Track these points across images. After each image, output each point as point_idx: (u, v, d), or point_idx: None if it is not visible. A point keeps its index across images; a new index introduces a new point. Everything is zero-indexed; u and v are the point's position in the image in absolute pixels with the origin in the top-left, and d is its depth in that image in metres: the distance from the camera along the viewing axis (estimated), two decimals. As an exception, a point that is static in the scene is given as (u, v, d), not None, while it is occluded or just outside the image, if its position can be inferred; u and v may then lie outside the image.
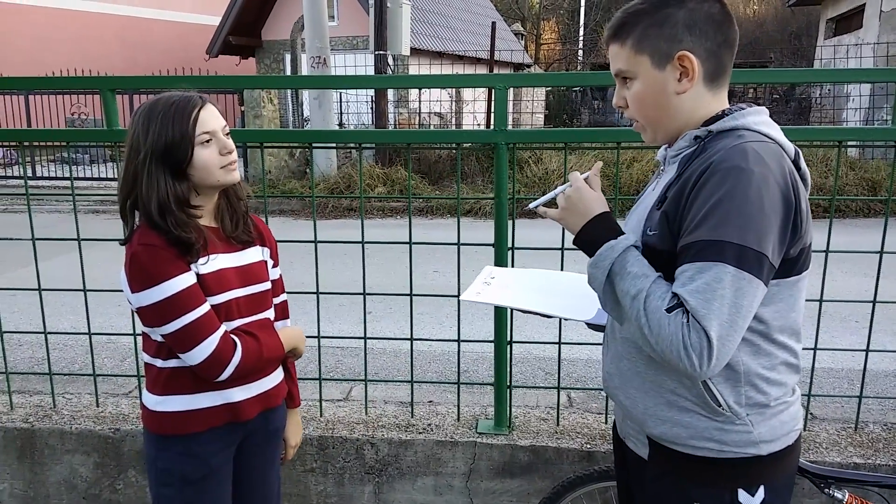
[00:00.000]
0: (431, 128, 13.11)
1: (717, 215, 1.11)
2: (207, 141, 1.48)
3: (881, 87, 10.04)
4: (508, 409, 2.47)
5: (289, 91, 11.96)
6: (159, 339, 1.53)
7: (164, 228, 1.46)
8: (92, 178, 11.46)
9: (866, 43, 11.47)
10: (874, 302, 2.30)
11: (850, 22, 12.89)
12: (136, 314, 1.52)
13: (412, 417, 2.52)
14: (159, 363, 1.55)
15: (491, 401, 2.49)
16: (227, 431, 1.61)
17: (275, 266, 1.81)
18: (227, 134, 1.55)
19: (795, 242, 1.17)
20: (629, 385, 1.32)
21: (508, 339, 2.43)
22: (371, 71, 10.97)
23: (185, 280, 1.46)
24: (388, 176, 9.65)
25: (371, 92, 11.30)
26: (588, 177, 1.35)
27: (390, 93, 12.37)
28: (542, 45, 30.58)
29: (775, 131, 1.23)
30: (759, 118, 1.23)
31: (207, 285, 1.51)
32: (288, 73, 15.83)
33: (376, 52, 9.98)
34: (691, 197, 1.16)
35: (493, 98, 2.29)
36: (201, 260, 1.51)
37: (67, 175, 11.51)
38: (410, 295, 2.45)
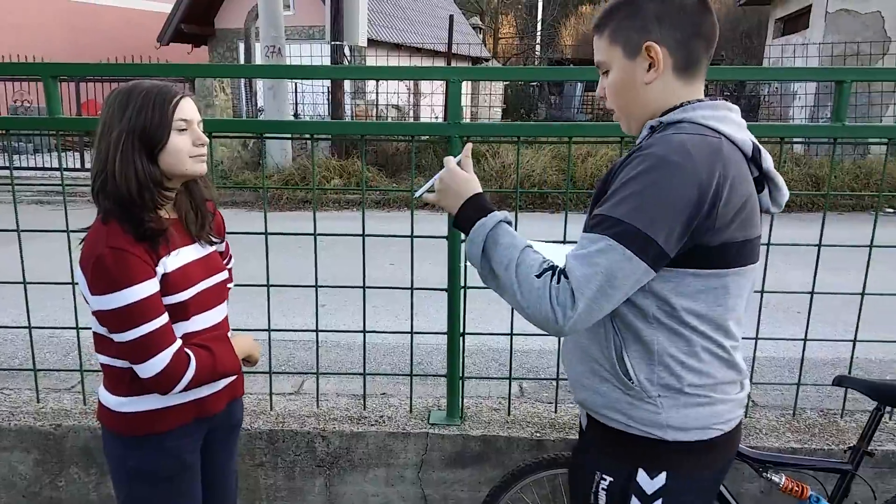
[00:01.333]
0: (389, 120, 13.05)
1: (620, 194, 1.17)
2: (183, 129, 1.49)
3: (826, 85, 10.38)
4: (461, 400, 2.48)
5: (242, 81, 11.74)
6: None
7: (136, 213, 1.45)
8: (35, 168, 11.05)
9: (812, 43, 11.84)
10: (812, 293, 2.39)
11: (797, 22, 13.28)
12: (94, 316, 1.49)
13: (364, 410, 2.51)
14: (121, 364, 1.51)
15: (444, 392, 2.51)
16: (195, 427, 1.61)
17: (225, 254, 1.80)
18: (202, 129, 1.56)
19: (712, 234, 1.17)
20: (571, 355, 1.39)
21: (461, 331, 2.44)
22: (327, 62, 10.85)
23: (148, 288, 1.43)
24: (344, 168, 9.56)
25: (327, 83, 11.17)
26: (460, 160, 1.41)
27: (347, 84, 12.25)
28: (500, 39, 30.70)
29: (727, 126, 1.23)
30: (710, 112, 1.23)
31: (175, 282, 1.50)
32: (242, 62, 15.53)
33: (332, 43, 9.86)
34: (612, 179, 1.23)
35: (448, 91, 2.29)
36: (172, 253, 1.51)
37: (7, 164, 11.08)
38: (363, 287, 2.44)
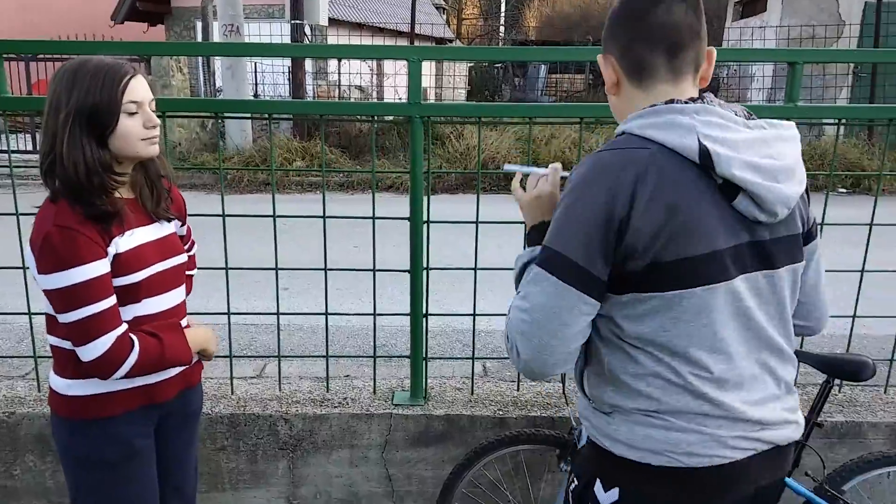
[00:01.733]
0: (351, 100, 12.90)
1: (553, 221, 1.19)
2: (133, 112, 1.44)
3: (781, 67, 10.60)
4: (424, 380, 2.50)
5: (200, 59, 11.46)
6: None
7: (87, 197, 1.41)
8: (-17, 150, 10.64)
9: (770, 26, 12.05)
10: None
11: (755, 5, 13.49)
12: (43, 294, 1.45)
13: (328, 392, 2.51)
14: (69, 346, 1.48)
15: (408, 373, 2.52)
16: (143, 414, 1.57)
17: (187, 239, 1.77)
18: (154, 109, 1.51)
19: (637, 254, 1.11)
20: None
21: (424, 312, 2.45)
22: (287, 41, 10.65)
23: (97, 269, 1.40)
24: (306, 150, 9.44)
25: (288, 63, 10.98)
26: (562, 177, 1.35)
27: (308, 64, 12.05)
28: (464, 20, 30.51)
29: (665, 133, 1.13)
30: (650, 120, 1.15)
31: (127, 263, 1.46)
32: (199, 42, 15.15)
33: (293, 22, 9.69)
34: None
35: (409, 71, 2.27)
36: (126, 233, 1.47)
37: (-44, 146, 10.67)
38: (325, 270, 2.43)
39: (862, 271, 2.45)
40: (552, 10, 30.81)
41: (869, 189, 8.76)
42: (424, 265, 2.39)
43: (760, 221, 1.16)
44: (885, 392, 2.54)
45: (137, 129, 1.45)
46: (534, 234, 1.32)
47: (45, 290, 1.42)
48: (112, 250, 1.44)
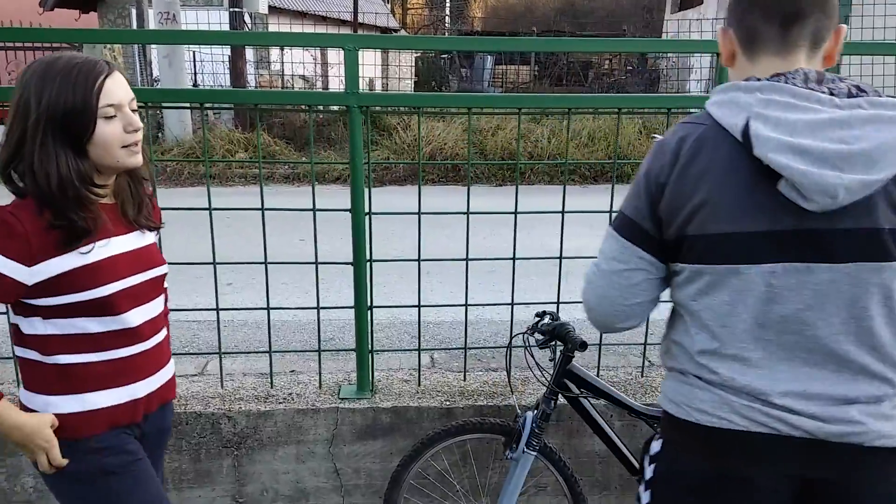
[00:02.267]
0: (295, 90, 12.68)
1: None
2: (111, 116, 1.32)
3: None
4: (371, 373, 2.49)
5: (136, 48, 11.06)
6: (39, 330, 1.37)
7: (60, 209, 1.29)
8: None
9: (706, 18, 12.38)
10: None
11: (692, -2, 13.85)
12: None
13: (272, 388, 2.47)
14: (39, 357, 1.38)
15: (355, 367, 2.50)
16: (126, 430, 1.46)
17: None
18: (135, 109, 1.39)
19: (667, 224, 1.18)
20: None
21: (368, 304, 2.43)
22: (226, 29, 10.38)
23: (2, 263, 1.28)
24: (249, 141, 9.26)
25: (228, 52, 10.72)
26: None
27: (250, 53, 11.80)
28: (409, 9, 30.33)
29: (721, 110, 1.13)
30: (717, 97, 1.16)
31: (99, 273, 1.35)
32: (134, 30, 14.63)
33: (231, 10, 9.46)
34: None
35: (344, 60, 2.24)
36: (100, 243, 1.36)
37: None
38: (265, 263, 2.39)
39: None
40: (497, 0, 30.94)
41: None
42: (368, 257, 2.38)
43: (812, 209, 1.09)
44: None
45: (117, 135, 1.33)
46: None
47: None
48: (70, 261, 1.33)
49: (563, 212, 2.45)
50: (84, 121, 1.29)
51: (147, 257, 1.48)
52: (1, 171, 1.33)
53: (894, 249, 1.10)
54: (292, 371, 2.65)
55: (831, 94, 1.12)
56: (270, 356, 2.47)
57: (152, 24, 10.30)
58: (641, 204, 1.21)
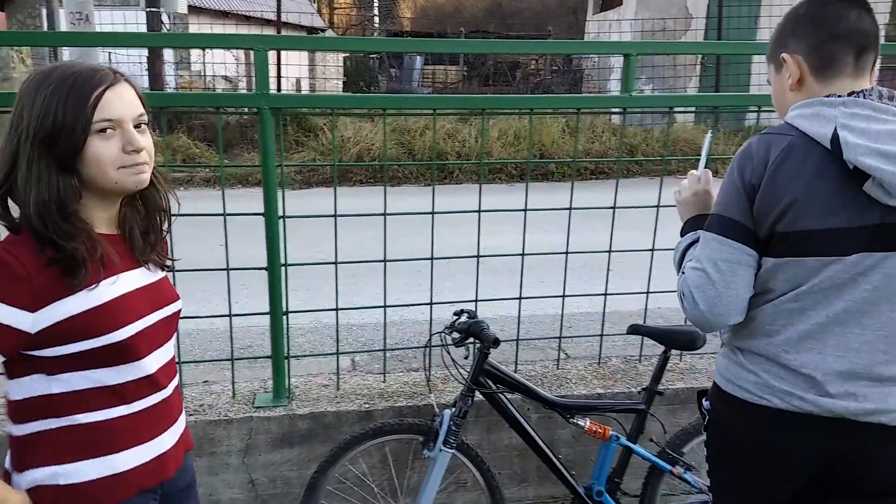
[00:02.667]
0: (221, 92, 12.35)
1: (718, 194, 1.44)
2: (105, 130, 1.16)
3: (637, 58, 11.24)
4: (287, 379, 2.44)
5: (46, 50, 10.53)
6: (41, 390, 1.19)
7: (48, 237, 1.14)
8: None
9: (625, 19, 12.75)
10: (609, 252, 2.60)
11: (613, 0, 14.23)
12: None
13: (183, 401, 2.40)
14: (46, 424, 1.20)
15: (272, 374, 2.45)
16: (154, 495, 1.32)
17: None
18: (142, 125, 1.22)
19: (758, 222, 1.35)
20: None
21: (284, 309, 2.39)
22: (144, 30, 10.02)
23: (3, 315, 1.11)
24: (168, 144, 8.96)
25: (146, 53, 10.33)
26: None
27: (169, 54, 11.42)
28: (337, 9, 30.02)
29: (808, 122, 1.32)
30: (800, 111, 1.35)
31: (113, 315, 1.19)
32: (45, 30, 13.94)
33: (148, 10, 9.12)
34: None
35: (255, 61, 2.19)
36: (107, 280, 1.20)
37: None
38: (174, 270, 2.31)
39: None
40: (426, 1, 30.99)
41: (716, 172, 9.51)
42: (283, 261, 2.33)
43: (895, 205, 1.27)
44: (719, 358, 2.77)
45: (112, 154, 1.17)
46: (688, 227, 1.59)
47: None
48: (78, 304, 1.17)
49: (479, 211, 2.47)
50: (73, 137, 1.14)
51: (161, 293, 1.32)
52: None
53: None
54: (206, 381, 2.58)
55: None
56: (180, 367, 2.39)
57: (64, 26, 9.82)
58: (742, 205, 1.35)
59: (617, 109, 2.64)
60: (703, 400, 1.59)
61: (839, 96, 1.34)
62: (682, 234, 1.60)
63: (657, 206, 2.59)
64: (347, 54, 19.30)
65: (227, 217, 2.33)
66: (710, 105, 2.62)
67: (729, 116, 11.02)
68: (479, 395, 2.15)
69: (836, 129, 1.28)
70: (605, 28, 13.83)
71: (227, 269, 2.36)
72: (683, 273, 1.44)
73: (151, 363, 1.27)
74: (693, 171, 1.67)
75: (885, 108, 1.32)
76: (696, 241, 1.50)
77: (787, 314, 1.36)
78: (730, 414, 1.46)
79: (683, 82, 11.57)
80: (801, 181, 1.30)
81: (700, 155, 1.71)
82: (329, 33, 23.17)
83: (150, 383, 1.28)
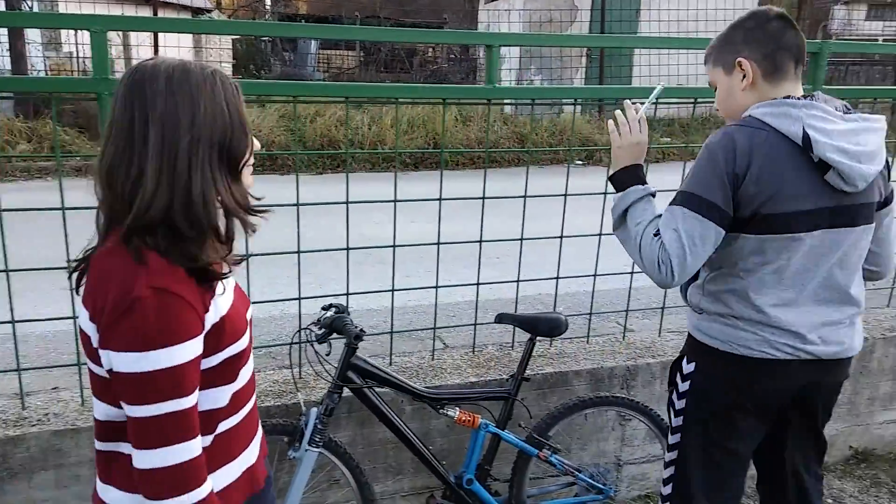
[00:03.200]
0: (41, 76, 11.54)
1: (693, 174, 1.61)
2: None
3: (525, 50, 11.47)
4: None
5: None
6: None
7: (190, 249, 1.05)
8: None
9: (515, 9, 12.96)
10: (479, 241, 2.61)
11: (504, -11, 14.42)
12: (112, 378, 1.04)
13: (24, 410, 2.21)
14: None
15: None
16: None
17: None
18: None
19: (740, 206, 1.56)
20: None
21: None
22: (2, 9, 9.19)
23: (192, 349, 1.03)
24: (34, 131, 8.29)
25: (6, 33, 9.48)
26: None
27: (35, 34, 10.56)
28: (226, -11, 28.74)
29: (778, 120, 1.55)
30: (768, 109, 1.58)
31: (232, 326, 1.13)
32: None
33: (5, -15, 8.39)
34: None
35: (91, 43, 2.03)
36: (218, 290, 1.12)
37: None
38: (7, 271, 2.12)
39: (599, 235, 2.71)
40: (324, -15, 30.23)
41: (600, 161, 9.89)
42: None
43: (846, 191, 1.57)
44: (587, 342, 2.86)
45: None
46: (623, 175, 1.73)
47: (118, 374, 1.02)
48: (212, 317, 1.09)
49: (346, 203, 2.41)
50: (243, 142, 1.11)
51: (242, 294, 1.25)
52: (137, 216, 1.03)
53: (873, 213, 1.67)
54: (54, 388, 2.39)
55: (835, 110, 1.59)
56: (20, 374, 2.20)
57: None
58: (724, 191, 1.55)
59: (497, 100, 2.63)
60: (684, 365, 1.78)
61: (798, 98, 1.58)
62: (616, 180, 1.74)
63: (564, 195, 2.60)
64: (237, 36, 18.52)
65: (85, 212, 2.16)
66: (570, 97, 2.69)
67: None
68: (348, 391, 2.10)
69: (804, 128, 1.53)
70: (494, 17, 14.01)
71: (70, 270, 2.18)
72: (661, 242, 1.58)
73: (245, 375, 1.21)
74: (631, 106, 1.77)
75: (831, 110, 1.58)
76: (642, 200, 1.68)
77: (772, 283, 1.61)
78: (727, 369, 1.69)
79: (570, 73, 11.92)
80: (783, 171, 1.54)
81: (647, 98, 1.82)
82: (215, 15, 22.18)
83: (246, 393, 1.23)
